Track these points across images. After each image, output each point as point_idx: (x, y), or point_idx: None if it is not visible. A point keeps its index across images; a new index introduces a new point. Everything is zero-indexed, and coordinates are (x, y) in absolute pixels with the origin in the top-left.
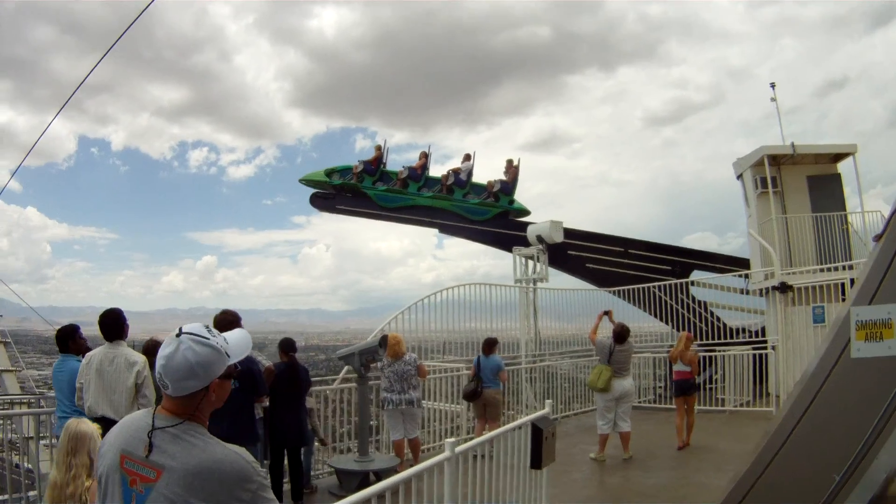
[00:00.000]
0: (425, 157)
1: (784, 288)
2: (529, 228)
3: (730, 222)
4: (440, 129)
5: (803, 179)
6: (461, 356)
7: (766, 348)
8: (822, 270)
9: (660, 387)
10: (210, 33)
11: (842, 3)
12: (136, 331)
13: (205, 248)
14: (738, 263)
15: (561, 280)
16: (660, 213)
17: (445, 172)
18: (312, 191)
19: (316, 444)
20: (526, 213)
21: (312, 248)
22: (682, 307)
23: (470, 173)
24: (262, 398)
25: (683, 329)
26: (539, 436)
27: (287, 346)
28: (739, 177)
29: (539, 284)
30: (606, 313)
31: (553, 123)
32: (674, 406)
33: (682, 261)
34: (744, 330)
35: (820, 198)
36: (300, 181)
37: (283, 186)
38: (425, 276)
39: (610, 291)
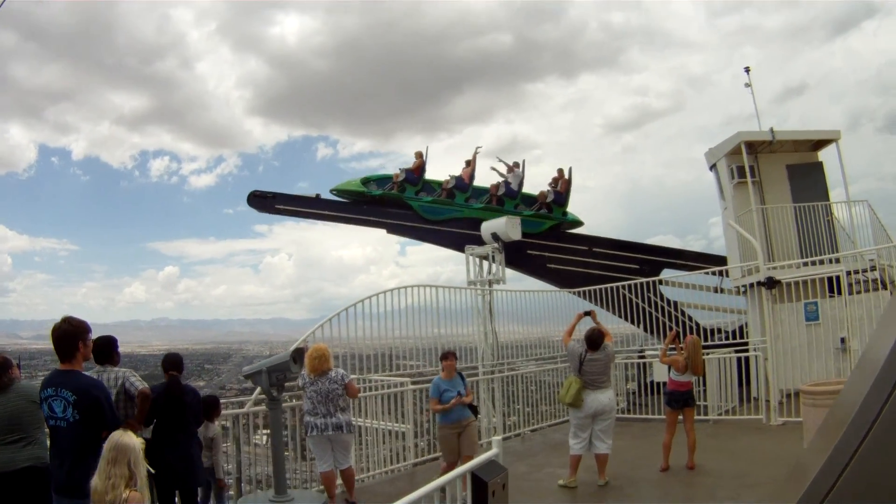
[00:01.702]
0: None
1: (771, 283)
2: (484, 226)
3: (690, 226)
4: (402, 136)
5: (782, 168)
6: (407, 370)
7: (747, 350)
8: (805, 264)
9: (632, 392)
10: (172, 40)
11: (802, 12)
12: None
13: (166, 258)
14: (709, 260)
15: (529, 283)
16: (620, 217)
17: (494, 182)
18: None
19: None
20: (579, 224)
21: (275, 257)
22: (653, 307)
23: (521, 183)
24: (108, 432)
25: (648, 329)
26: (482, 491)
27: (169, 363)
28: (712, 167)
29: (495, 286)
30: (588, 314)
31: (514, 131)
32: (657, 416)
33: (650, 259)
34: (719, 330)
35: (801, 188)
36: (332, 191)
37: (245, 195)
38: (388, 283)
39: (573, 292)
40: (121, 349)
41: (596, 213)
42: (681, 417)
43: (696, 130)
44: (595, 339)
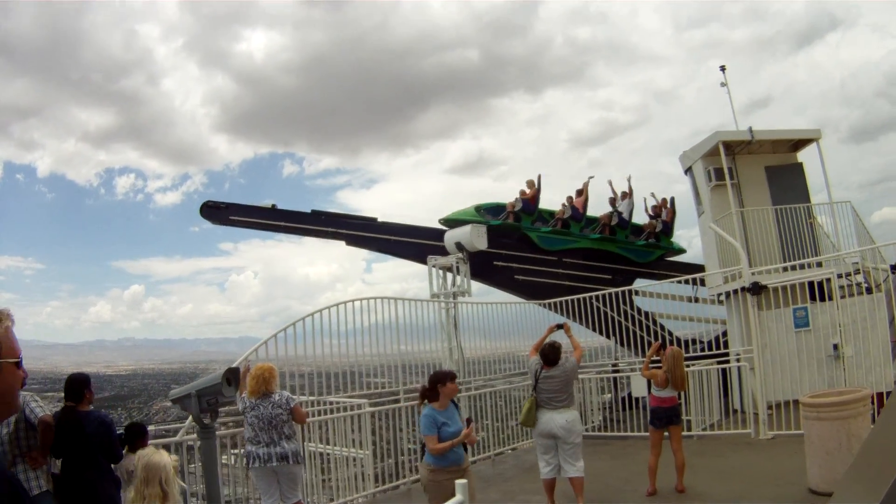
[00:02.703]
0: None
1: (757, 289)
2: (447, 235)
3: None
4: (368, 153)
5: (761, 170)
6: (370, 388)
7: (727, 361)
8: (791, 268)
9: (607, 405)
10: (139, 56)
11: (767, 25)
12: (65, 363)
13: (132, 277)
14: (682, 269)
15: (497, 297)
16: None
17: (606, 212)
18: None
19: None
20: (682, 252)
21: (240, 276)
22: (626, 319)
23: (631, 212)
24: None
25: (622, 342)
26: None
27: (71, 387)
28: (687, 171)
29: (460, 299)
30: (560, 327)
31: (480, 146)
32: (635, 433)
33: (623, 269)
34: (695, 341)
35: (781, 190)
36: (441, 221)
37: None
38: (365, 303)
39: (541, 304)
40: (87, 369)
41: None
42: (667, 434)
43: (662, 144)
44: (549, 355)
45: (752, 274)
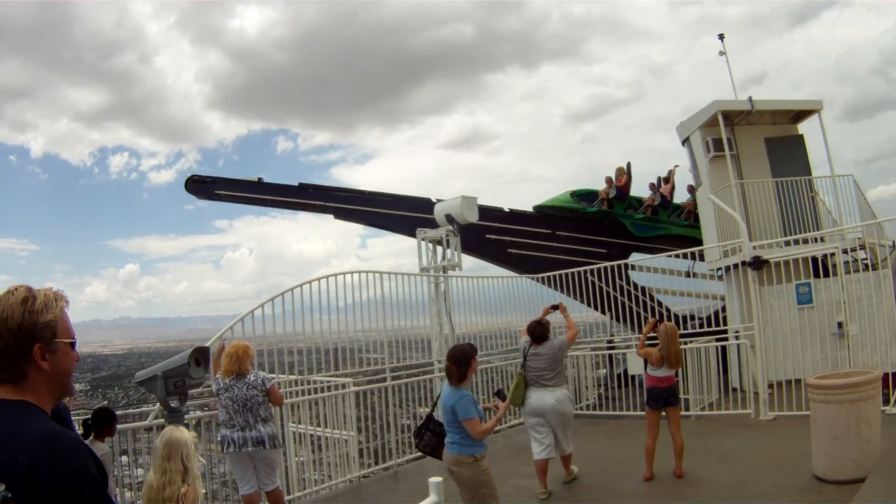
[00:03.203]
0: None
1: (758, 263)
2: (437, 207)
3: None
4: (362, 128)
5: (760, 142)
6: (356, 367)
7: (726, 338)
8: (794, 243)
9: (602, 382)
10: (131, 34)
11: (762, 2)
12: None
13: (127, 255)
14: (677, 243)
15: (491, 272)
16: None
17: (687, 199)
18: None
19: None
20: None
21: (235, 253)
22: (621, 294)
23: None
24: None
25: (617, 317)
26: None
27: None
28: (685, 142)
29: (450, 273)
30: (555, 308)
31: (475, 121)
32: (631, 412)
33: (618, 242)
34: (692, 317)
35: (781, 162)
36: (536, 207)
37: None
38: (349, 277)
39: (534, 278)
40: (83, 349)
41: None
42: (664, 415)
43: (656, 120)
44: (536, 332)
45: (753, 248)
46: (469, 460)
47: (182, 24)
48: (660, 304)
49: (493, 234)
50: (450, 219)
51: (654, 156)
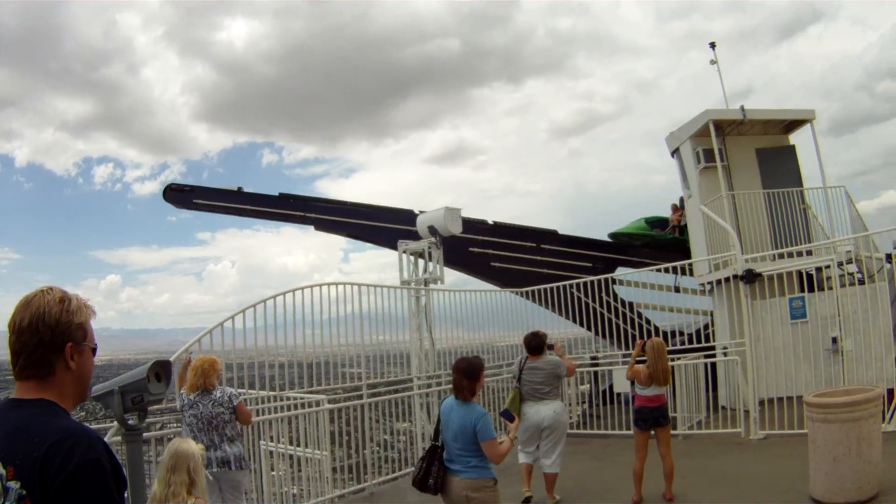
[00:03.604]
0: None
1: (751, 277)
2: (420, 219)
3: None
4: (348, 142)
5: (751, 153)
6: (333, 383)
7: (713, 354)
8: (787, 255)
9: (585, 399)
10: (119, 45)
11: (749, 17)
12: None
13: (109, 266)
14: (665, 257)
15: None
16: (565, 222)
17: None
18: None
19: None
20: None
21: (218, 265)
22: (606, 309)
23: None
24: None
25: (601, 333)
26: None
27: None
28: (674, 153)
29: (431, 286)
30: (550, 347)
31: (460, 136)
32: (617, 431)
33: (604, 256)
34: (681, 332)
35: (772, 173)
36: (612, 234)
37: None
38: (332, 290)
39: (516, 292)
40: None
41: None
42: (653, 433)
43: (642, 135)
44: (531, 343)
45: (746, 261)
46: (490, 483)
47: (170, 37)
48: (648, 321)
49: (476, 248)
50: (433, 230)
51: (640, 170)
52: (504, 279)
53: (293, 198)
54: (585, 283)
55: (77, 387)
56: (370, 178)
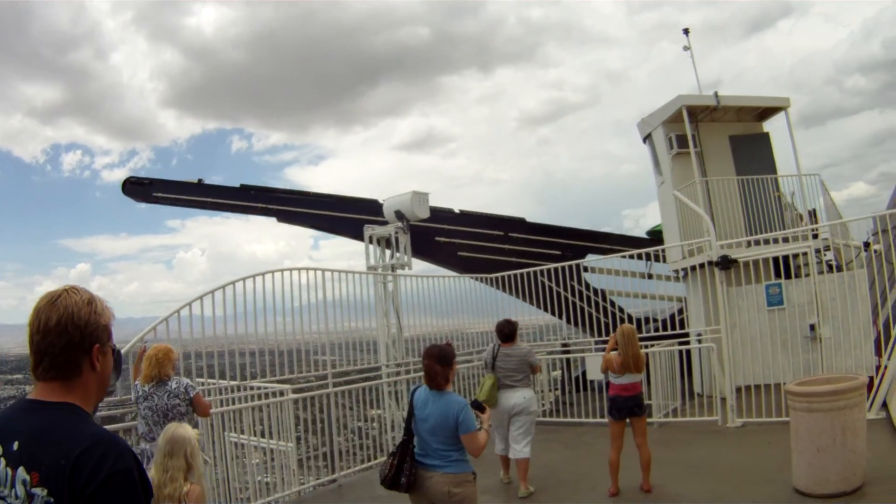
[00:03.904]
0: None
1: (726, 263)
2: (386, 203)
3: (604, 219)
4: (316, 129)
5: (725, 140)
6: (299, 371)
7: (687, 342)
8: (758, 243)
9: (557, 385)
10: (87, 30)
11: (719, 10)
12: (10, 344)
13: (78, 255)
14: (634, 244)
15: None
16: (535, 209)
17: None
18: None
19: None
20: None
21: (188, 253)
22: (575, 296)
23: None
24: None
25: (572, 321)
26: None
27: None
28: (646, 139)
29: (399, 272)
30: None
31: (429, 124)
32: (590, 419)
33: (573, 244)
34: (653, 319)
35: (745, 161)
36: (649, 232)
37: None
38: (297, 276)
39: (480, 278)
40: (23, 350)
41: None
42: (628, 421)
43: (611, 125)
44: (504, 329)
45: (721, 247)
46: (471, 478)
47: (139, 21)
48: (621, 309)
49: (442, 237)
50: (399, 215)
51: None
52: (471, 269)
53: (254, 189)
54: (554, 270)
55: (100, 386)
56: (340, 165)
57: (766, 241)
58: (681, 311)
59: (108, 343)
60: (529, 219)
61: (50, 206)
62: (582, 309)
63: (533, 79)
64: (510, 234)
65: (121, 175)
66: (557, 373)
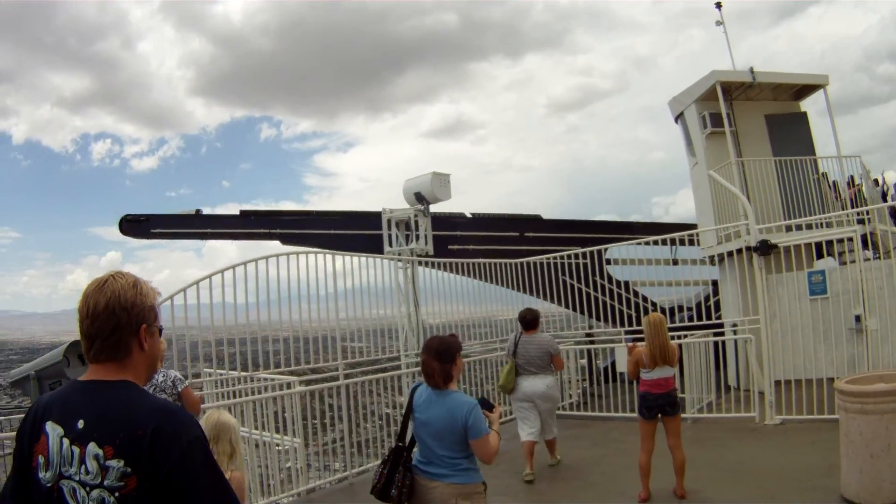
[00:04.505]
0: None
1: (766, 248)
2: (405, 185)
3: (633, 205)
4: (345, 116)
5: (760, 119)
6: (302, 363)
7: (722, 332)
8: (799, 228)
9: (583, 381)
10: (114, 19)
11: None
12: (42, 332)
13: (109, 243)
14: (659, 231)
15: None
16: (563, 197)
17: None
18: None
19: None
20: None
21: (217, 241)
22: (600, 291)
23: None
24: None
25: (597, 316)
26: None
27: None
28: (678, 118)
29: (418, 257)
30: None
31: (458, 110)
32: (620, 413)
33: (593, 237)
34: (683, 308)
35: (782, 141)
36: None
37: (187, 178)
38: (300, 258)
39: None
40: (66, 338)
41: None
42: (659, 417)
43: (639, 111)
44: (526, 317)
45: (760, 231)
46: (481, 489)
47: (166, 10)
48: (644, 298)
49: (456, 245)
50: (419, 197)
51: (638, 146)
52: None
53: (255, 214)
54: (573, 265)
55: (148, 367)
56: (368, 152)
57: (809, 227)
58: (708, 298)
59: (155, 323)
60: (559, 206)
61: (79, 194)
62: (606, 303)
63: (561, 65)
64: (526, 234)
65: (150, 164)
66: (584, 361)
